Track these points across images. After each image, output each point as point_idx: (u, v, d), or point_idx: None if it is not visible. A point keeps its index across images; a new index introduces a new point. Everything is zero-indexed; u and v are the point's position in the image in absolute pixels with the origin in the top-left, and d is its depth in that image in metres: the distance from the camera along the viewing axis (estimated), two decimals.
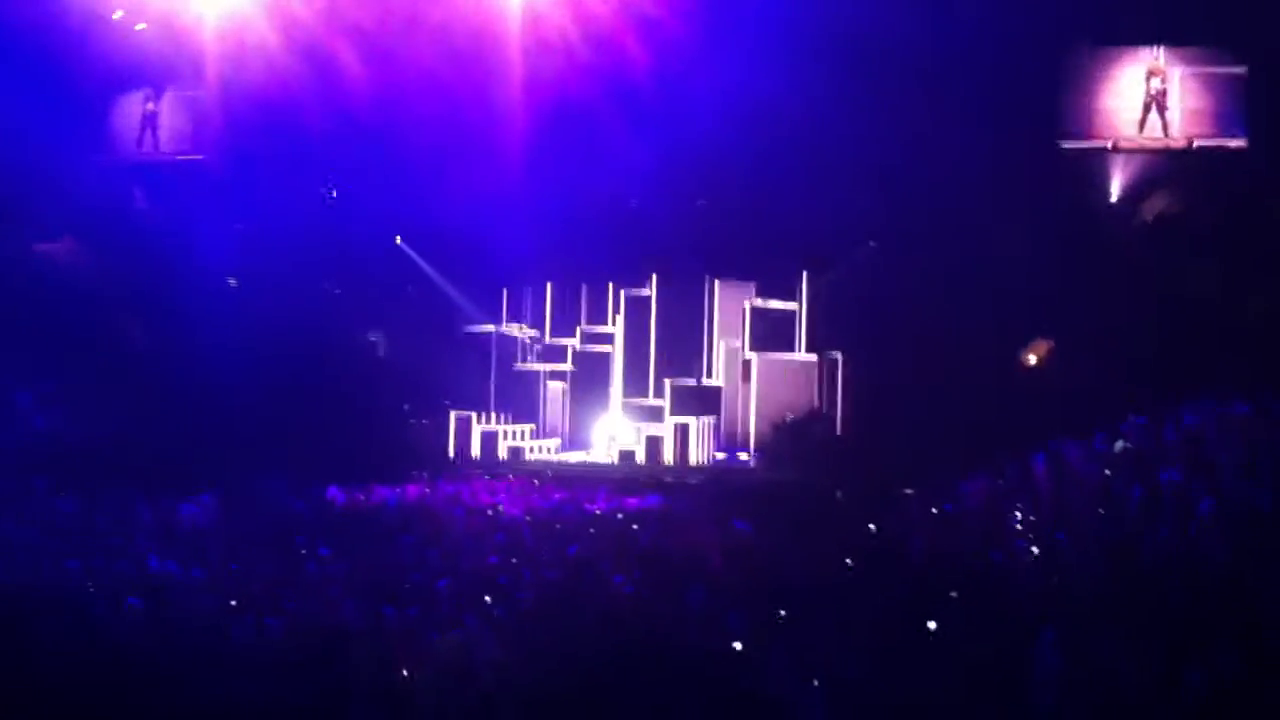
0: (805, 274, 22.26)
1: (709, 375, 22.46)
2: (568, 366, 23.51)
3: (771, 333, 22.32)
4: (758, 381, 22.02)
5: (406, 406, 22.51)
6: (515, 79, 20.22)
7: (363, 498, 17.70)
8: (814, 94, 19.14)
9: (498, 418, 22.85)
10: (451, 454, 21.83)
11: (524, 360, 23.80)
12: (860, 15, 18.43)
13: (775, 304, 22.40)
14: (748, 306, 22.34)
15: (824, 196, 20.26)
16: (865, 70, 19.18)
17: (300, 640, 10.05)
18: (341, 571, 12.67)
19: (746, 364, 22.22)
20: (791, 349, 22.33)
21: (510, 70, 20.19)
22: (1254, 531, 10.15)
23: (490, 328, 23.58)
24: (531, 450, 22.46)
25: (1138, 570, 9.69)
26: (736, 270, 22.56)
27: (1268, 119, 19.37)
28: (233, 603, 11.30)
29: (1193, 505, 10.65)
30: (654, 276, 22.85)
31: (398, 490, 18.02)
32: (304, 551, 13.62)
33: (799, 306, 22.36)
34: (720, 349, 22.46)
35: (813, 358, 22.03)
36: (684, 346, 22.56)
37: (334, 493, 17.65)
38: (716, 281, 22.65)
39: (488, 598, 11.21)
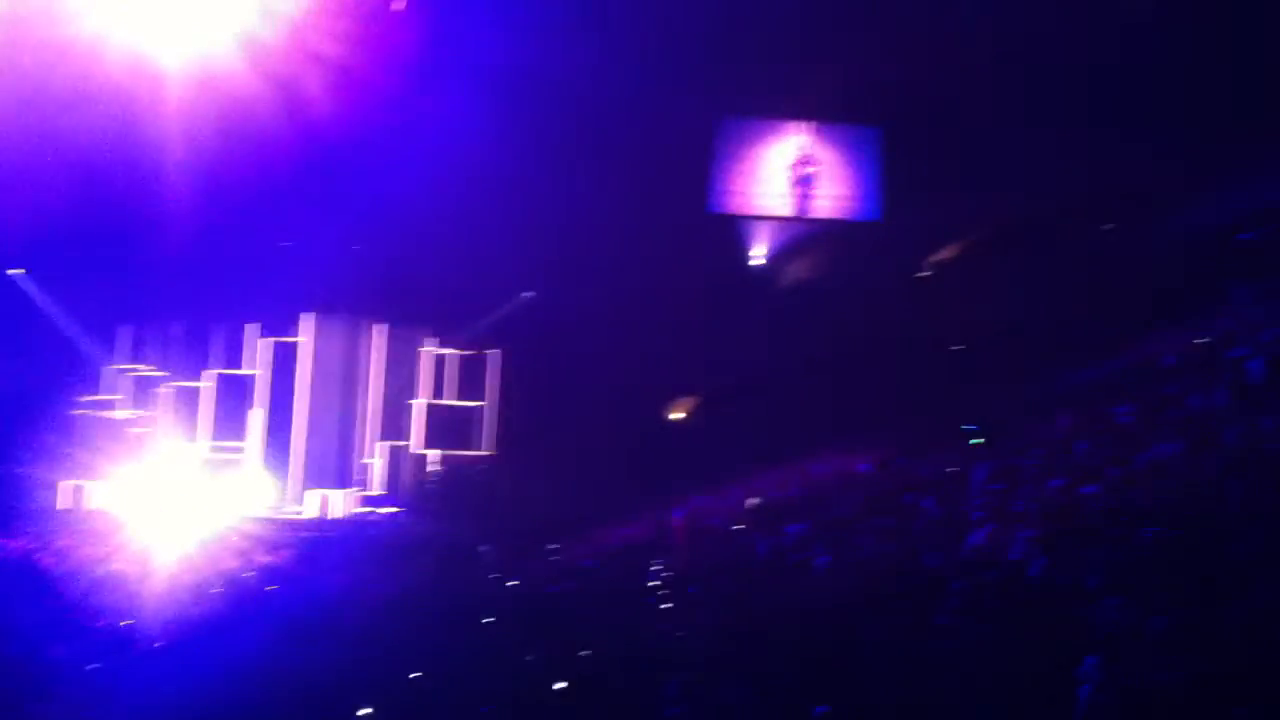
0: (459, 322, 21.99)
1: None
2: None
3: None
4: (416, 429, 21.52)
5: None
6: (168, 107, 19.05)
7: None
8: (479, 144, 19.10)
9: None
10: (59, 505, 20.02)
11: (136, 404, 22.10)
12: (531, 70, 18.61)
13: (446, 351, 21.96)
14: (428, 351, 21.85)
15: (486, 246, 20.22)
16: (531, 124, 19.35)
17: None
18: None
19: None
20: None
21: (164, 98, 19.00)
22: (868, 584, 10.61)
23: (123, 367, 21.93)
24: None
25: (757, 624, 9.90)
26: (401, 316, 21.98)
27: (898, 198, 20.97)
28: None
29: (812, 559, 11.05)
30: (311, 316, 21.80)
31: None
32: None
33: (456, 354, 22.08)
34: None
35: (472, 405, 21.79)
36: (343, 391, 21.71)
37: None
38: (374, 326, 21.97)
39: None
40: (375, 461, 21.33)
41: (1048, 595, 8.44)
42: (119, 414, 21.81)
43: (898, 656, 8.16)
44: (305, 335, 21.71)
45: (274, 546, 16.86)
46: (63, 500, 20.21)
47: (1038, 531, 9.42)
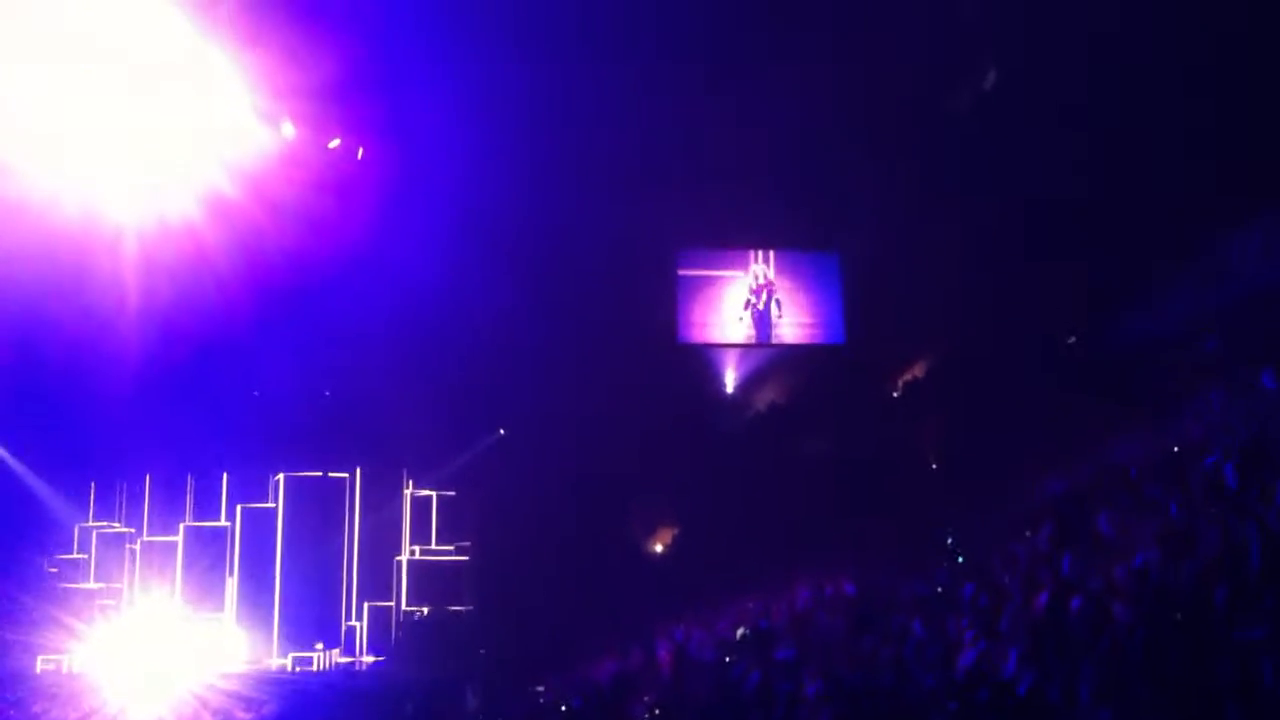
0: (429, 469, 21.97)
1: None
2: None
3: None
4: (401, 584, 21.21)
5: None
6: (132, 261, 19.14)
7: None
8: (443, 284, 19.32)
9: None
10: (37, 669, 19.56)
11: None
12: (492, 210, 18.95)
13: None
14: (407, 495, 21.67)
15: (454, 386, 20.30)
16: (493, 263, 19.62)
17: None
18: None
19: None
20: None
21: (126, 253, 19.11)
22: (862, 708, 10.48)
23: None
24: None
25: None
26: (375, 460, 21.93)
27: (861, 319, 21.27)
28: None
29: (802, 686, 10.91)
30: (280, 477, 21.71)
31: None
32: None
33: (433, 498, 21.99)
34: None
35: (451, 550, 21.61)
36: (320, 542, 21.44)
37: None
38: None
39: None
40: (359, 624, 21.01)
41: (1042, 711, 8.39)
42: (92, 572, 21.50)
43: None
44: (278, 494, 21.58)
45: (256, 702, 16.55)
46: (39, 663, 19.79)
47: (1027, 647, 9.38)
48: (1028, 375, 19.00)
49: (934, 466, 19.74)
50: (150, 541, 21.61)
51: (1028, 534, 13.54)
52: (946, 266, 19.80)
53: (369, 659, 20.28)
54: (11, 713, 16.40)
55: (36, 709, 16.38)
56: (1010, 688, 8.96)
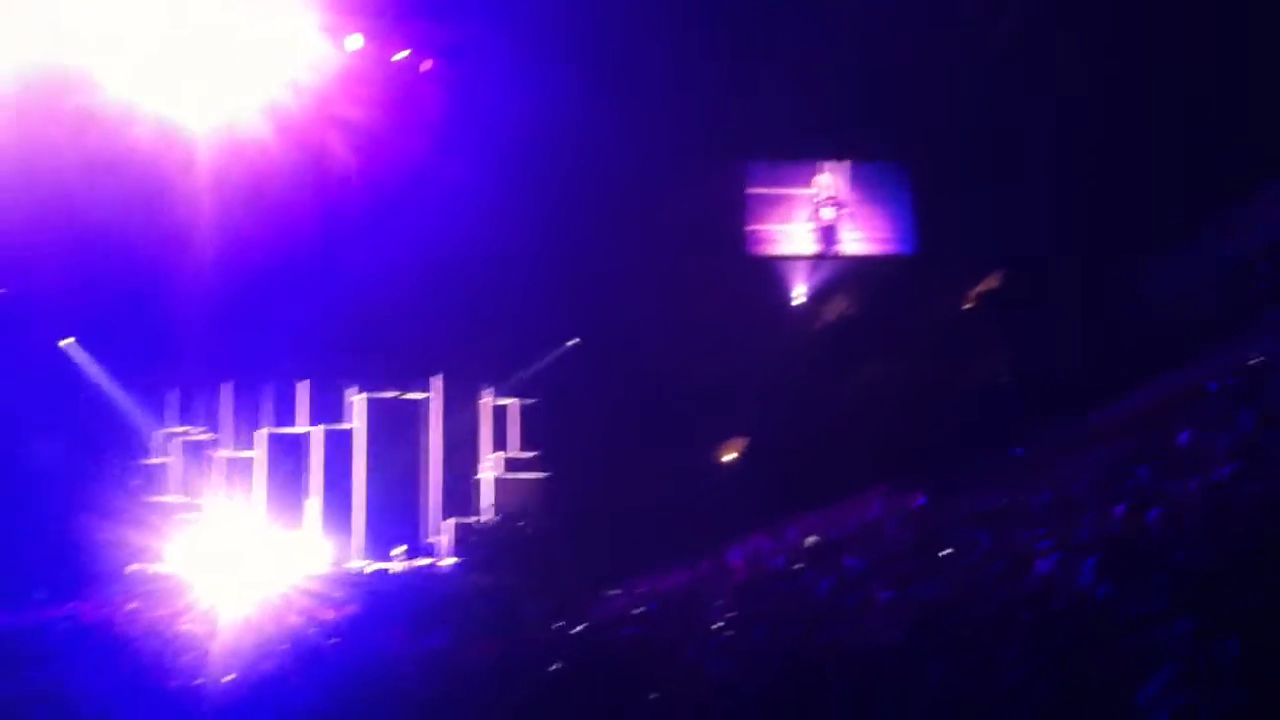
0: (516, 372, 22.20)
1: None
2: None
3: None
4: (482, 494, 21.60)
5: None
6: (206, 173, 19.45)
7: (28, 619, 16.17)
8: (521, 207, 19.45)
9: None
10: (126, 569, 20.26)
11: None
12: (561, 131, 18.96)
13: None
14: (485, 404, 21.96)
15: (527, 297, 20.51)
16: (563, 175, 19.69)
17: None
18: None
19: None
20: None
21: (201, 164, 19.40)
22: (933, 619, 10.63)
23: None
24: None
25: (824, 663, 9.95)
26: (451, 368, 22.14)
27: (932, 231, 21.10)
28: None
29: (874, 596, 11.09)
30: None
31: (67, 609, 16.58)
32: None
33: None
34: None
35: (531, 457, 21.88)
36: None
37: None
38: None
39: None
40: (439, 539, 21.40)
41: (1116, 622, 8.45)
42: (173, 481, 22.13)
43: (968, 689, 8.20)
44: (358, 395, 21.94)
45: (336, 602, 17.12)
46: (129, 563, 20.48)
47: (1102, 558, 9.44)
48: (1103, 288, 18.82)
49: (1006, 379, 19.67)
50: (229, 456, 22.15)
51: (1103, 447, 13.55)
52: (1021, 176, 19.54)
53: (447, 561, 20.80)
54: (103, 610, 17.05)
55: (128, 607, 17.03)
56: (1086, 598, 9.03)
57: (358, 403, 21.90)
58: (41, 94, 18.14)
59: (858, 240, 21.66)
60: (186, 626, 15.60)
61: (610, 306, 20.57)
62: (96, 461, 21.83)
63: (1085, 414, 16.35)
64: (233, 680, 12.40)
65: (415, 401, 22.01)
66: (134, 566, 20.35)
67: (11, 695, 11.73)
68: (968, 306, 21.34)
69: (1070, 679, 7.85)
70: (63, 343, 21.95)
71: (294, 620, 16.10)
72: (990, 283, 21.33)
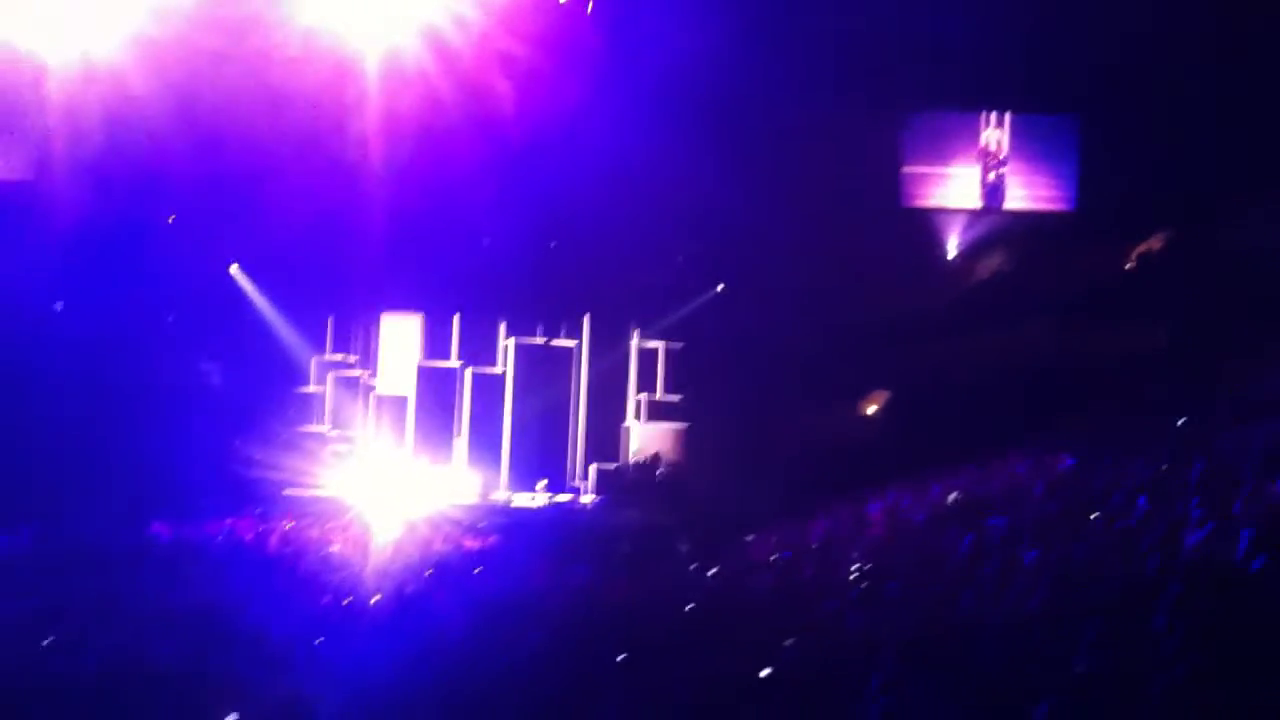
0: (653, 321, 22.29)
1: None
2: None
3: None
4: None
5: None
6: (370, 107, 19.91)
7: (190, 533, 17.01)
8: (674, 150, 19.42)
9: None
10: (284, 491, 21.11)
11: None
12: (717, 76, 18.83)
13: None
14: (633, 346, 22.15)
15: (676, 246, 20.58)
16: (718, 122, 19.57)
17: (115, 680, 9.56)
18: (163, 609, 12.13)
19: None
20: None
21: (364, 98, 19.87)
22: (1079, 582, 10.44)
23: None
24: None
25: (964, 620, 9.87)
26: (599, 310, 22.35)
27: (1096, 187, 20.41)
28: (46, 640, 10.69)
29: (1018, 556, 10.93)
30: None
31: (226, 525, 17.38)
32: (124, 587, 12.99)
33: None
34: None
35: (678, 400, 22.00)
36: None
37: (159, 527, 16.91)
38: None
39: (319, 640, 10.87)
40: (584, 484, 21.73)
41: (1273, 596, 8.21)
42: (327, 410, 22.87)
43: (1115, 656, 8.06)
44: (508, 339, 22.29)
45: (481, 532, 17.62)
46: (287, 485, 21.34)
47: (1258, 531, 9.15)
48: (1276, 251, 17.98)
49: (1166, 343, 19.01)
50: (382, 394, 22.77)
51: (1269, 420, 13.03)
52: (1191, 134, 18.76)
53: (589, 498, 21.16)
54: (261, 526, 17.82)
55: (284, 526, 17.78)
56: (1240, 572, 8.78)
57: (508, 348, 22.29)
58: (219, 33, 18.83)
59: (1019, 196, 21.08)
60: (338, 548, 16.27)
61: (761, 253, 20.47)
62: (257, 386, 22.64)
63: (1252, 382, 15.72)
64: (380, 600, 12.92)
65: (564, 349, 22.32)
66: (290, 490, 21.16)
67: (172, 605, 12.37)
68: (1130, 267, 20.63)
69: (1224, 650, 7.67)
70: (230, 268, 22.82)
71: (440, 547, 16.66)
72: (1154, 243, 20.58)
